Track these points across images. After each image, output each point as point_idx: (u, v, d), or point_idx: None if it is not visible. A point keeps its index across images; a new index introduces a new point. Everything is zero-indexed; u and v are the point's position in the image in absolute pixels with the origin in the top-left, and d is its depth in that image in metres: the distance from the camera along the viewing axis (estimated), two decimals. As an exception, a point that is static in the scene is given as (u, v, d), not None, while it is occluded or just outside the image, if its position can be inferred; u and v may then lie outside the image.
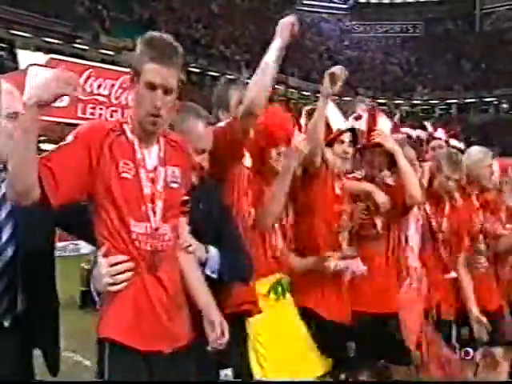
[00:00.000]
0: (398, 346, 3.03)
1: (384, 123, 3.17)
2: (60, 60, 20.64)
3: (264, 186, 2.67)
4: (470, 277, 3.48)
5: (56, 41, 29.50)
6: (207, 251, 2.16)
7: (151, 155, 1.91)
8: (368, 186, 3.11)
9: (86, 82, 19.75)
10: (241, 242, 2.32)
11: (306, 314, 2.76)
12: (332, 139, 2.93)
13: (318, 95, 3.09)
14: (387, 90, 48.49)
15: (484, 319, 3.35)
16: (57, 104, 1.79)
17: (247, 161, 2.62)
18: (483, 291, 3.52)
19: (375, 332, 2.96)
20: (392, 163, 3.13)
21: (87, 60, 26.20)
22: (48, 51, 25.79)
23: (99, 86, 20.27)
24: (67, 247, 18.28)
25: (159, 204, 1.87)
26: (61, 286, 2.55)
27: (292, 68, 43.83)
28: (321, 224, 2.88)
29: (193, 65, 35.04)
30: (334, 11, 56.15)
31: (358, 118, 3.21)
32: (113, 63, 29.35)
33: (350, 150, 2.97)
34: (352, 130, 3.00)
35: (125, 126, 1.90)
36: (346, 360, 2.87)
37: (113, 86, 20.22)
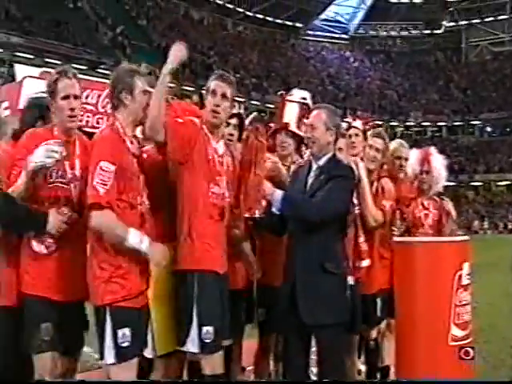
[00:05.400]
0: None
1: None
2: (48, 72, 22.47)
3: None
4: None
5: (83, 67, 30.44)
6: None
7: (220, 147, 2.74)
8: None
9: (75, 93, 22.48)
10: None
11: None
12: None
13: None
14: (384, 112, 49.42)
15: None
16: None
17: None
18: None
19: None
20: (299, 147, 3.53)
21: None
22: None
23: (87, 96, 21.58)
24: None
25: (224, 177, 2.69)
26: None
27: (297, 92, 44.99)
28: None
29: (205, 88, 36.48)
30: (335, 41, 57.28)
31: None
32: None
33: (235, 133, 3.24)
34: (238, 115, 3.27)
35: (204, 127, 2.68)
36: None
37: (99, 96, 21.43)
